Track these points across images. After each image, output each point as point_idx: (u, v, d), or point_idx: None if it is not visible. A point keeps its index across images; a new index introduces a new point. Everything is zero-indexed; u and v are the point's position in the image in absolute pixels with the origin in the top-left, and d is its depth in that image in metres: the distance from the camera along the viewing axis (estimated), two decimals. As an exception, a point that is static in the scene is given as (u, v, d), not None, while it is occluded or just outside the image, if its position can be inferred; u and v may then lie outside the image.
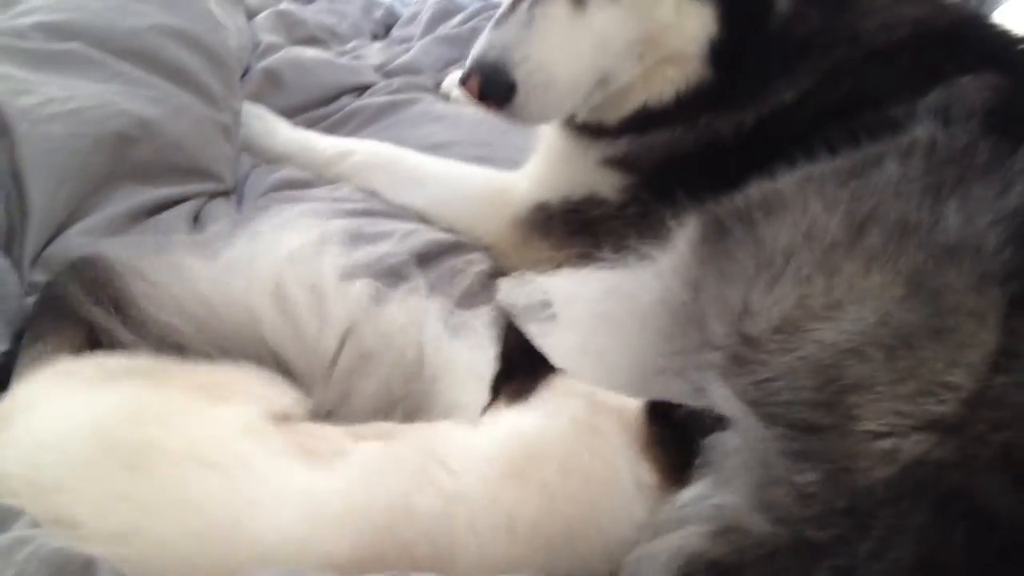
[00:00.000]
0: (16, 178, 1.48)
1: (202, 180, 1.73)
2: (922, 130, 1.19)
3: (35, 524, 0.81)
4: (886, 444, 0.93)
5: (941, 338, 0.97)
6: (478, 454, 0.95)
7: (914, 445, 0.92)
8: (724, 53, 1.40)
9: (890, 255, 1.04)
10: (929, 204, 1.08)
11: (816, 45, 1.41)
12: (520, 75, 1.38)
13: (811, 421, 0.98)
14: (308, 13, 2.61)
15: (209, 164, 1.75)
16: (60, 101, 1.60)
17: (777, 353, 1.03)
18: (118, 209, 1.56)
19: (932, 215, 1.06)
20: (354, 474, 0.92)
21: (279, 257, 1.20)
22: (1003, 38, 1.48)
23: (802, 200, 1.15)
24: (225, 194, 1.78)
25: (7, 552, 0.76)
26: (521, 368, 1.03)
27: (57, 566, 0.76)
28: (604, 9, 1.38)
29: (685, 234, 1.25)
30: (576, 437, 0.95)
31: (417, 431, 1.02)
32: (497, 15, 1.43)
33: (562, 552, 0.91)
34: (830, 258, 1.07)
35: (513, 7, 1.41)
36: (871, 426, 0.94)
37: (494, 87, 1.38)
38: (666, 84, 1.45)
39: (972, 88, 1.28)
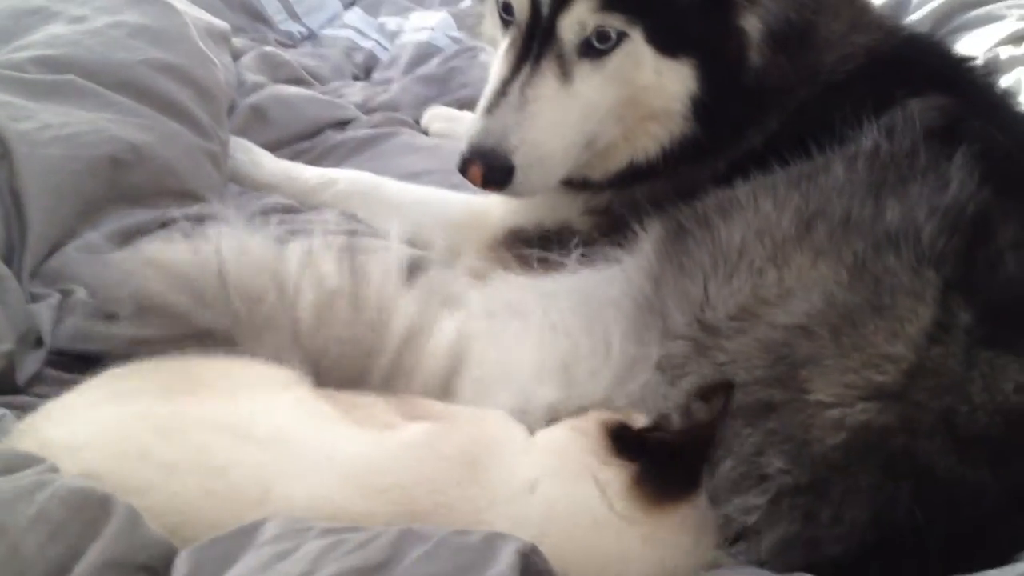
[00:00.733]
0: (15, 197, 1.56)
1: (192, 203, 1.80)
2: (867, 140, 1.27)
3: (54, 469, 0.87)
4: (835, 413, 1.02)
5: (882, 315, 1.06)
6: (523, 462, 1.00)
7: (860, 412, 1.01)
8: (704, 108, 1.43)
9: (835, 246, 1.13)
10: (871, 201, 1.17)
11: (783, 88, 1.46)
12: (519, 159, 1.41)
13: (766, 399, 1.06)
14: (292, 55, 2.70)
15: (198, 188, 1.82)
16: (57, 126, 1.67)
17: (734, 338, 1.11)
18: (112, 228, 1.63)
19: (874, 210, 1.15)
20: (402, 453, 0.97)
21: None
22: (948, 58, 1.58)
23: (754, 201, 1.23)
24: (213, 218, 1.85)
25: (28, 492, 0.82)
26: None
27: (75, 504, 0.82)
28: (589, 78, 1.41)
29: (649, 237, 1.33)
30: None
31: (468, 423, 1.06)
32: (488, 97, 1.45)
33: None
34: (781, 252, 1.16)
35: (503, 90, 1.42)
36: (821, 397, 1.03)
37: (497, 174, 1.42)
38: (650, 141, 1.49)
39: (918, 109, 1.35)
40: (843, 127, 1.34)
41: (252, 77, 2.43)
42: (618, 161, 1.52)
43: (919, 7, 2.60)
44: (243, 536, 0.83)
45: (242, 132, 2.15)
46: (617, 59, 1.40)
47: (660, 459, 0.97)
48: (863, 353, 1.05)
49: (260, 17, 2.95)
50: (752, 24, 1.40)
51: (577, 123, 1.43)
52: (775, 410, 1.06)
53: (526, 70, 1.41)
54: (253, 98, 2.28)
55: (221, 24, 2.48)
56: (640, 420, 1.03)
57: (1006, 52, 2.25)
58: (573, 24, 1.37)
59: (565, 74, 1.40)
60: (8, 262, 1.46)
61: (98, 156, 1.67)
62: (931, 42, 1.66)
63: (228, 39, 2.49)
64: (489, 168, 1.41)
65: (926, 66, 1.53)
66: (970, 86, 1.51)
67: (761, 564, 1.01)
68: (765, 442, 1.05)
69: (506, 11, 1.46)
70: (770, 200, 1.23)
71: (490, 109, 1.43)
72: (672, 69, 1.41)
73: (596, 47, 1.39)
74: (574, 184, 1.57)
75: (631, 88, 1.43)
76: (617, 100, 1.43)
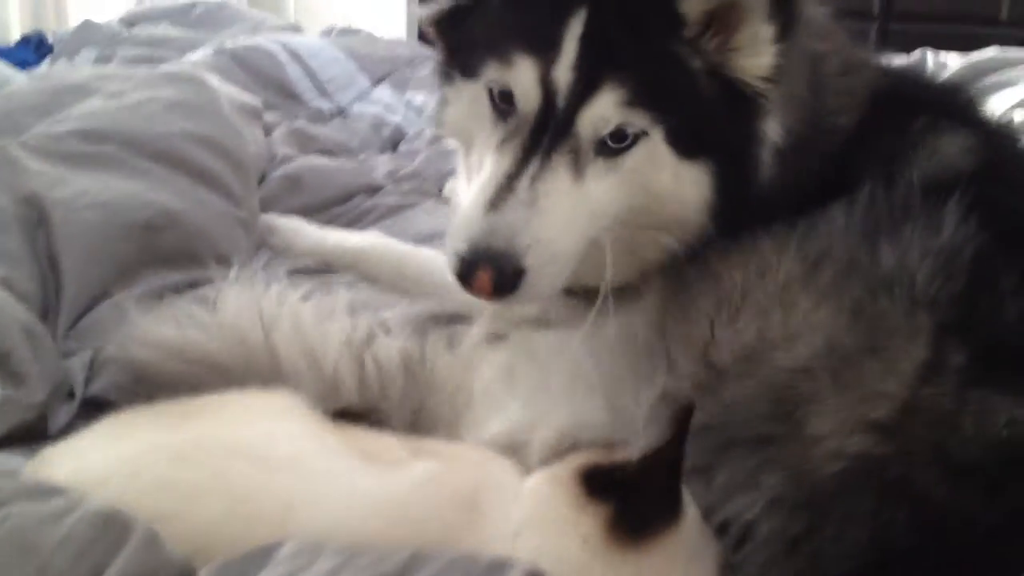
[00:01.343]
0: (52, 260, 1.62)
1: (223, 266, 1.85)
2: (867, 187, 1.28)
3: (81, 497, 0.90)
4: (832, 444, 1.06)
5: (877, 356, 1.10)
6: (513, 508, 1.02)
7: (857, 443, 1.04)
8: (719, 214, 1.33)
9: (837, 290, 1.17)
10: (868, 245, 1.20)
11: (798, 183, 1.38)
12: (531, 260, 1.25)
13: (766, 433, 1.09)
14: (321, 131, 2.78)
15: (229, 253, 1.87)
16: (93, 193, 1.74)
17: (739, 379, 1.15)
18: (144, 289, 1.67)
19: (871, 254, 1.19)
20: (413, 487, 0.99)
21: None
22: (942, 89, 1.60)
23: (756, 246, 1.26)
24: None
25: (57, 516, 0.86)
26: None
27: (99, 526, 0.85)
28: (603, 178, 1.29)
29: (651, 289, 1.36)
30: None
31: (469, 465, 1.09)
32: (490, 192, 1.29)
33: None
34: (786, 294, 1.19)
35: (510, 184, 1.28)
36: (818, 431, 1.07)
37: (508, 279, 1.25)
38: (659, 253, 1.39)
39: (951, 151, 1.35)
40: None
41: (283, 150, 2.50)
42: (625, 275, 1.38)
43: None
44: (260, 555, 0.86)
45: (277, 199, 2.23)
46: (633, 159, 1.30)
47: (632, 494, 0.97)
48: (858, 390, 1.08)
49: (291, 94, 3.05)
50: (772, 128, 1.34)
51: (586, 225, 1.30)
52: (773, 443, 1.09)
53: (535, 164, 1.27)
54: (287, 167, 2.37)
55: (253, 102, 2.58)
56: (622, 453, 1.05)
57: (1020, 115, 2.30)
58: (595, 119, 1.28)
59: (578, 171, 1.29)
60: (44, 320, 1.51)
61: (133, 221, 1.73)
62: (917, 73, 1.67)
63: (260, 115, 2.59)
64: (500, 272, 1.24)
65: (931, 101, 1.52)
66: (980, 119, 1.52)
67: None
68: (763, 465, 1.08)
69: (503, 99, 1.34)
70: (773, 245, 1.25)
71: (495, 205, 1.27)
72: (690, 173, 1.32)
73: (611, 145, 1.29)
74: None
75: (645, 193, 1.33)
76: (629, 204, 1.33)
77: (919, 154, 1.33)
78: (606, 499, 0.98)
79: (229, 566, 0.85)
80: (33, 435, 1.30)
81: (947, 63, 3.12)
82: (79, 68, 2.56)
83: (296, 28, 3.87)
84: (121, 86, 2.16)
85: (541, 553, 0.96)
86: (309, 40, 3.39)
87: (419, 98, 3.17)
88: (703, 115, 1.31)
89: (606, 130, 1.28)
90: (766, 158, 1.34)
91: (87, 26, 3.33)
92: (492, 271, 1.24)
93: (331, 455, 1.02)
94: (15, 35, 4.02)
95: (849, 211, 1.25)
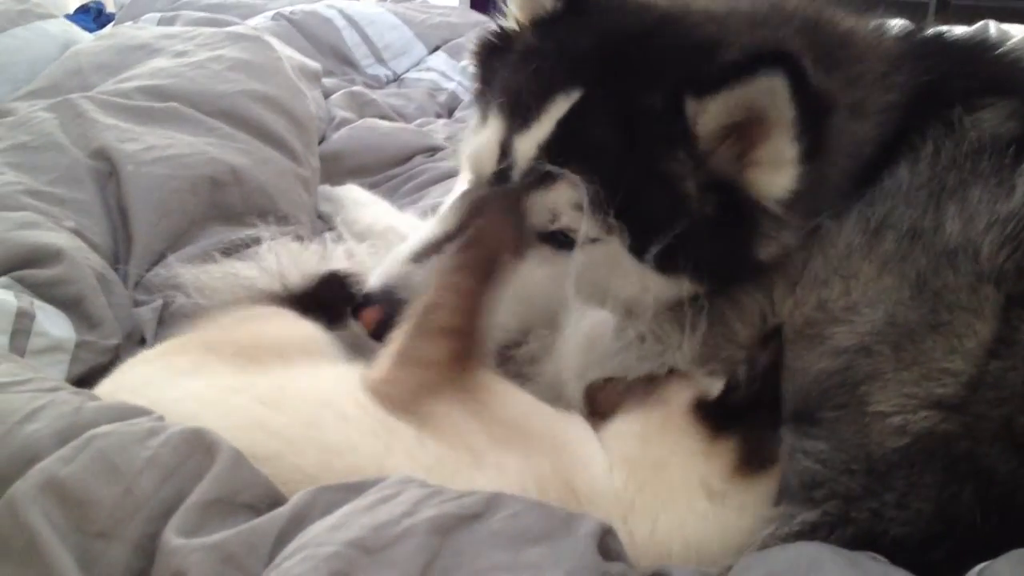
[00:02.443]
0: (122, 212, 1.65)
1: (284, 224, 1.87)
2: (929, 141, 1.21)
3: (162, 419, 0.92)
4: (896, 420, 1.04)
5: (940, 332, 1.07)
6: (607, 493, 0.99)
7: (922, 420, 1.03)
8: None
9: (899, 260, 1.13)
10: (933, 210, 1.14)
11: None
12: None
13: (826, 412, 1.08)
14: (378, 94, 2.80)
15: (290, 210, 1.89)
16: (161, 148, 1.77)
17: (798, 354, 1.13)
18: (209, 243, 1.70)
19: (935, 220, 1.14)
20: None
21: None
22: (976, 53, 1.41)
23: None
24: (302, 239, 1.92)
25: (142, 438, 0.88)
26: None
27: (185, 448, 0.88)
28: (544, 265, 1.24)
29: None
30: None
31: (552, 440, 1.02)
32: (420, 245, 1.27)
33: None
34: (848, 263, 1.15)
35: (440, 245, 1.24)
36: (882, 407, 1.05)
37: (392, 327, 1.12)
38: None
39: (993, 122, 1.24)
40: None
41: (341, 113, 2.52)
42: None
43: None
44: (355, 487, 0.88)
45: (337, 158, 2.25)
46: (585, 257, 1.21)
47: (752, 425, 0.96)
48: (922, 367, 1.05)
49: (348, 61, 3.07)
50: (770, 252, 1.21)
51: (514, 305, 1.22)
52: (836, 419, 1.07)
53: None
54: (349, 128, 2.39)
55: (313, 64, 2.61)
56: (715, 385, 1.04)
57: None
58: (543, 211, 1.22)
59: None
60: (115, 270, 1.55)
61: (199, 176, 1.76)
62: (940, 43, 1.44)
63: (319, 78, 2.61)
64: (388, 317, 1.16)
65: (963, 73, 1.34)
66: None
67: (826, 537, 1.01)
68: (825, 437, 1.06)
69: (469, 159, 1.30)
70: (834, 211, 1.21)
71: (418, 259, 1.25)
72: (661, 283, 1.21)
73: (560, 238, 1.23)
74: None
75: (601, 292, 1.24)
76: (582, 295, 1.23)
77: (965, 125, 1.22)
78: (721, 428, 0.95)
79: (323, 491, 0.87)
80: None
81: (1010, 33, 3.06)
82: (145, 28, 2.58)
83: (352, -5, 3.88)
84: (186, 45, 2.20)
85: (649, 495, 0.95)
86: (366, 6, 3.40)
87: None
88: (686, 236, 1.18)
89: (553, 226, 1.22)
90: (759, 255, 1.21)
91: (149, -10, 3.37)
92: (382, 313, 1.21)
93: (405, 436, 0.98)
94: (73, 5, 4.07)
95: (914, 171, 1.19)
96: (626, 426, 1.05)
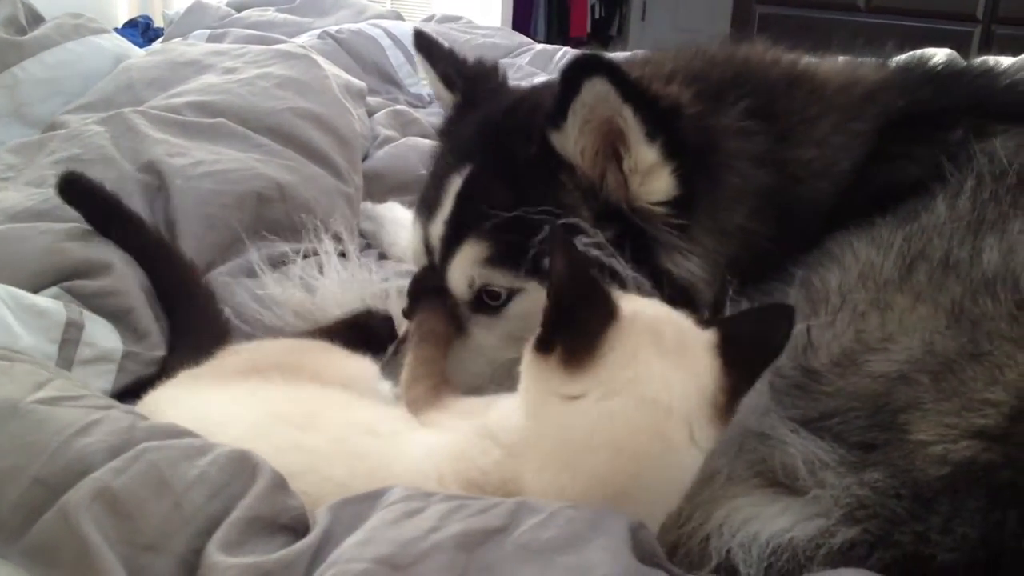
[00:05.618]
0: (170, 225, 1.68)
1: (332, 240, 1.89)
2: (971, 177, 1.22)
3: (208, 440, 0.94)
4: (938, 449, 1.02)
5: (980, 361, 1.04)
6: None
7: (964, 449, 1.00)
8: None
9: (934, 290, 1.12)
10: (970, 241, 1.14)
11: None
12: None
13: (866, 441, 1.06)
14: (421, 114, 2.82)
15: (334, 226, 1.91)
16: (209, 163, 1.80)
17: (835, 384, 1.11)
18: (255, 257, 1.72)
19: (972, 251, 1.13)
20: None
21: None
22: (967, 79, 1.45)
23: (853, 246, 1.22)
24: (344, 255, 1.94)
25: (191, 456, 0.89)
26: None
27: (231, 468, 0.89)
28: (489, 331, 1.34)
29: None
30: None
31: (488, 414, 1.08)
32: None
33: None
34: (883, 295, 1.15)
35: None
36: (922, 436, 1.03)
37: None
38: None
39: (1006, 151, 1.25)
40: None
41: (384, 132, 2.54)
42: None
43: None
44: (373, 498, 0.89)
45: (380, 176, 2.28)
46: (514, 312, 1.31)
47: (568, 324, 0.95)
48: (962, 398, 1.03)
49: (392, 80, 3.09)
50: (686, 268, 1.26)
51: (471, 368, 1.34)
52: (876, 448, 1.05)
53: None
54: (390, 147, 2.41)
55: (358, 83, 2.63)
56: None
57: None
58: (458, 277, 1.31)
59: (460, 327, 1.34)
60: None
61: (246, 191, 1.78)
62: (923, 71, 1.48)
63: (364, 96, 2.63)
64: None
65: (959, 102, 1.38)
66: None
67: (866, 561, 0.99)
68: (866, 466, 1.04)
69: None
70: (872, 243, 1.21)
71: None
72: None
73: (488, 303, 1.31)
74: None
75: None
76: None
77: (979, 160, 1.23)
78: (552, 347, 0.96)
79: (344, 505, 0.88)
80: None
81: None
82: (195, 44, 2.62)
83: (398, 15, 3.92)
84: (235, 62, 2.23)
85: (533, 432, 0.96)
86: (411, 26, 3.43)
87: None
88: (598, 262, 1.22)
89: (474, 289, 1.30)
90: (698, 283, 1.26)
91: (199, 7, 3.42)
92: None
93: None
94: (122, 19, 4.15)
95: (953, 204, 1.19)
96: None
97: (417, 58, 1.60)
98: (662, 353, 0.95)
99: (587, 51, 1.31)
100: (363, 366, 1.28)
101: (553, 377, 0.95)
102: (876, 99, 1.40)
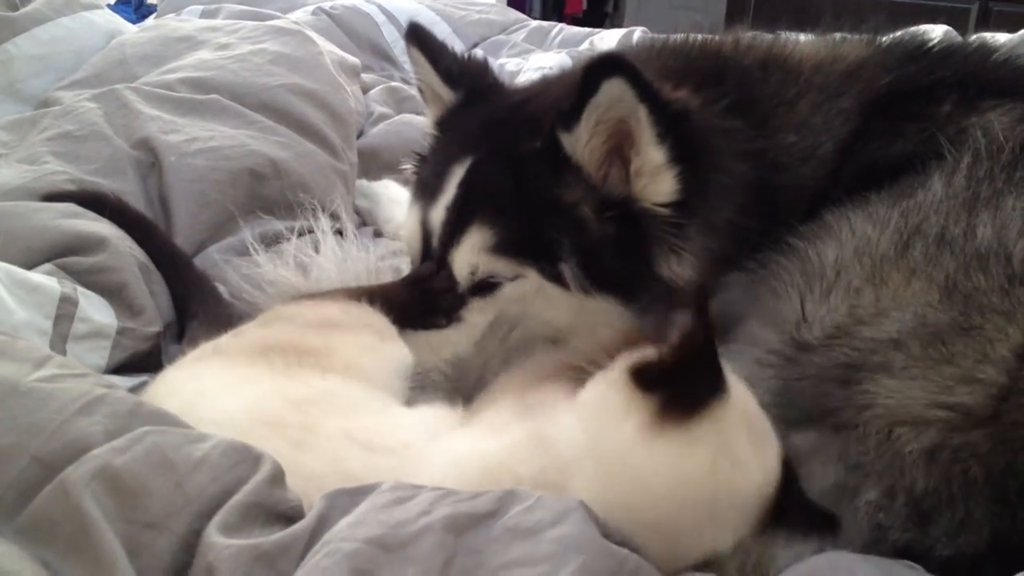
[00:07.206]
0: (164, 202, 1.68)
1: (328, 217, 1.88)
2: (967, 154, 1.22)
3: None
4: (915, 432, 1.01)
5: (970, 335, 1.04)
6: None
7: (942, 429, 1.00)
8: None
9: (928, 265, 1.12)
10: (966, 217, 1.14)
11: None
12: None
13: (834, 407, 1.06)
14: (415, 90, 2.80)
15: (328, 203, 1.90)
16: (203, 140, 1.79)
17: (822, 352, 1.11)
18: (249, 235, 1.72)
19: (968, 227, 1.13)
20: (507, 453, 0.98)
21: None
22: (953, 54, 1.45)
23: (850, 222, 1.21)
24: (340, 232, 1.93)
25: (195, 440, 0.90)
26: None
27: (234, 454, 0.90)
28: (483, 315, 1.36)
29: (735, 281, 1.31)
30: None
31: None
32: None
33: None
34: (879, 271, 1.15)
35: None
36: (898, 413, 1.02)
37: None
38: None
39: (1001, 125, 1.27)
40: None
41: (379, 108, 2.54)
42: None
43: None
44: (365, 488, 0.90)
45: (375, 153, 2.27)
46: (509, 296, 1.34)
47: (677, 378, 0.93)
48: (950, 370, 1.03)
49: (387, 56, 3.08)
50: (679, 272, 1.30)
51: (464, 356, 1.35)
52: (842, 430, 1.05)
53: None
54: (384, 124, 2.40)
55: (352, 59, 2.62)
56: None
57: None
58: (462, 263, 1.34)
59: (453, 314, 1.36)
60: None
61: (239, 168, 1.78)
62: (909, 47, 1.49)
63: (358, 73, 2.62)
64: None
65: (946, 77, 1.39)
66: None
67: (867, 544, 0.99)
68: (835, 438, 1.05)
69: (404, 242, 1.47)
70: (869, 219, 1.21)
71: None
72: (594, 304, 1.32)
73: (487, 283, 1.34)
74: None
75: (545, 325, 1.34)
76: (528, 335, 1.35)
77: (976, 136, 1.24)
78: (655, 389, 0.93)
79: (338, 494, 0.88)
80: (147, 367, 1.36)
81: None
82: (188, 20, 2.61)
83: (392, -9, 3.89)
84: (228, 38, 2.22)
85: (599, 452, 0.94)
86: (405, 2, 3.40)
87: (513, 63, 3.17)
88: (595, 256, 1.29)
89: (476, 275, 1.33)
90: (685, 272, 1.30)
91: (191, -18, 3.40)
92: None
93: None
94: (113, -5, 4.12)
95: (949, 181, 1.19)
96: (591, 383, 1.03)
97: (410, 51, 1.62)
98: (750, 440, 0.94)
99: (610, 51, 1.48)
100: (385, 355, 1.23)
101: (639, 410, 0.93)
102: (859, 76, 1.42)
